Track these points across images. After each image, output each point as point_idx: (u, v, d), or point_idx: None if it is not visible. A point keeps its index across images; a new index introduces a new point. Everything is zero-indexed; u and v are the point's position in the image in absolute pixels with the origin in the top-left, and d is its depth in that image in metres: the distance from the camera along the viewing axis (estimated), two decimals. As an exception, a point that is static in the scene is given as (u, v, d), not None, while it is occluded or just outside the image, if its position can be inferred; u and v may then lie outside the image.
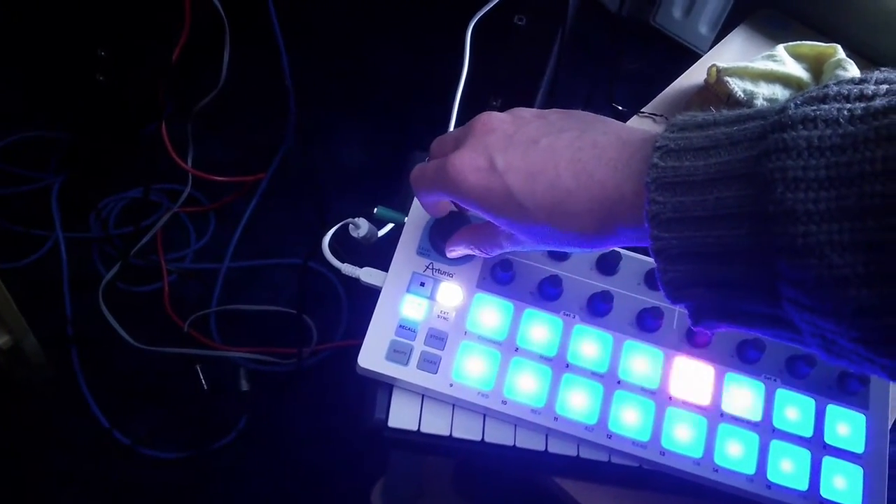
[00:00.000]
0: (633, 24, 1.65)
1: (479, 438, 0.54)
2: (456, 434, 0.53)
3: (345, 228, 0.62)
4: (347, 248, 0.64)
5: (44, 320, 1.08)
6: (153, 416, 1.09)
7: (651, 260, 0.58)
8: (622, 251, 0.58)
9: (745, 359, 0.56)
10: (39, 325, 1.04)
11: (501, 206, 0.41)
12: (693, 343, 0.56)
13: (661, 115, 0.82)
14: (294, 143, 1.18)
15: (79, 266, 1.20)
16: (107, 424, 1.07)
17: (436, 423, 0.54)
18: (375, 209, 0.60)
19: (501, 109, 1.07)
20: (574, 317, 0.56)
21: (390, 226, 0.63)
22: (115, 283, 1.18)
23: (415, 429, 0.53)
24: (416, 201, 0.59)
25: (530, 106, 1.07)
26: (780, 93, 0.83)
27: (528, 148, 0.41)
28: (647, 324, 0.56)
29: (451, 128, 0.81)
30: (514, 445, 0.54)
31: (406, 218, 0.59)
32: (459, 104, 0.84)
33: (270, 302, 1.18)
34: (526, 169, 0.40)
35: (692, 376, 0.55)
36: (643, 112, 0.82)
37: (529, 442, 0.54)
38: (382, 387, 0.55)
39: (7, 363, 1.03)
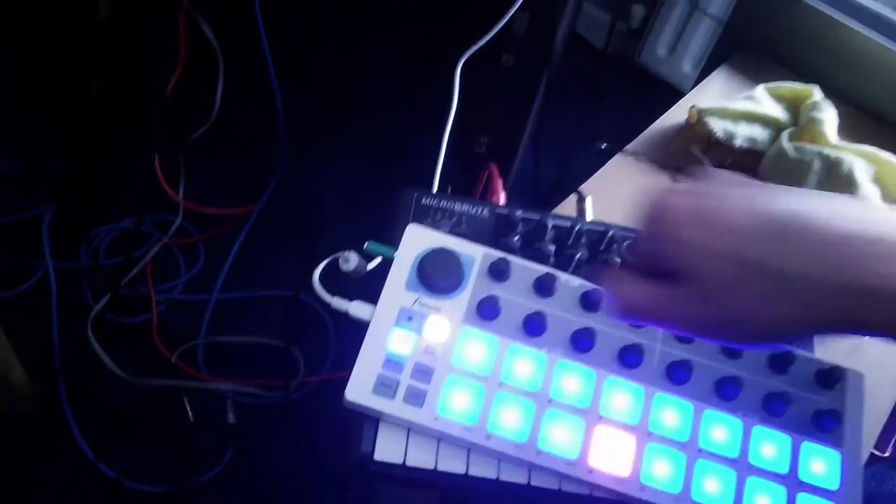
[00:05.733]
0: (618, 62, 1.69)
1: (463, 472, 0.55)
2: (441, 467, 0.54)
3: (334, 261, 0.64)
4: (337, 280, 0.65)
5: (31, 351, 1.08)
6: (139, 449, 1.09)
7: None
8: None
9: (723, 396, 0.57)
10: (27, 356, 1.04)
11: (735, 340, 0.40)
12: (672, 380, 0.57)
13: (643, 154, 0.84)
14: (284, 176, 1.20)
15: (68, 296, 1.20)
16: (92, 457, 1.06)
17: (421, 457, 0.54)
18: (366, 244, 0.62)
19: (488, 147, 1.09)
20: (557, 353, 0.57)
21: (379, 259, 0.64)
22: (104, 314, 1.18)
23: (400, 462, 0.54)
24: (405, 236, 0.60)
25: (516, 142, 1.09)
26: (759, 133, 0.86)
27: (770, 287, 0.37)
28: (628, 360, 0.57)
29: (440, 162, 0.82)
30: (498, 479, 0.55)
31: (395, 253, 0.60)
32: (448, 140, 0.86)
33: (259, 333, 1.19)
34: (772, 313, 0.37)
35: (672, 412, 0.56)
36: (626, 150, 0.84)
37: (513, 475, 0.55)
38: (369, 420, 0.56)
39: (-8, 394, 1.03)
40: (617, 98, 1.59)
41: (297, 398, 1.15)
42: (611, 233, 0.66)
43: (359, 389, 0.55)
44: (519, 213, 0.67)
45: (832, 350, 0.64)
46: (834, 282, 0.35)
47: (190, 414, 1.10)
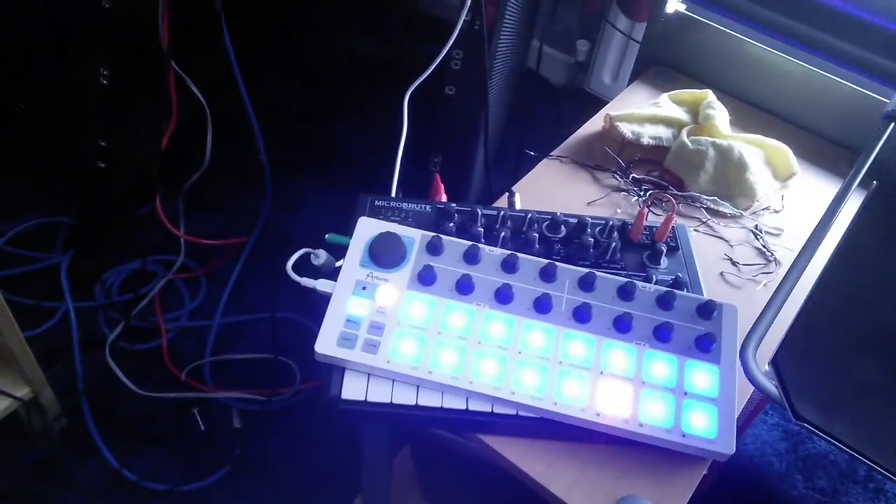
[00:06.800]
0: (572, 92, 1.86)
1: (413, 403, 0.68)
2: (395, 401, 0.68)
3: (310, 262, 0.78)
4: (312, 277, 0.79)
5: (58, 378, 1.23)
6: (157, 455, 1.23)
7: (542, 260, 0.74)
8: (519, 254, 0.74)
9: (619, 329, 0.71)
10: (54, 383, 1.19)
11: None
12: (578, 320, 0.71)
13: (567, 157, 0.99)
14: (272, 210, 1.36)
15: (87, 330, 1.36)
16: (116, 465, 1.20)
17: (379, 393, 0.68)
18: (326, 235, 0.77)
19: (442, 165, 1.26)
20: (484, 306, 0.72)
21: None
22: (119, 343, 1.33)
23: (363, 399, 0.68)
24: (358, 225, 0.75)
25: (467, 160, 1.25)
26: (663, 132, 1.02)
27: None
28: (541, 307, 0.71)
29: (396, 174, 0.97)
30: (442, 406, 0.68)
31: (350, 240, 0.75)
32: (405, 161, 1.01)
33: (257, 350, 1.34)
34: None
35: (578, 345, 0.70)
36: (552, 155, 0.99)
37: (453, 403, 0.68)
38: (336, 369, 0.69)
39: (27, 413, 1.17)
40: (570, 122, 1.76)
41: (294, 403, 1.29)
42: (529, 216, 0.81)
43: (326, 343, 0.69)
44: (454, 206, 0.82)
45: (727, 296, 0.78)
46: None
47: (200, 423, 1.24)
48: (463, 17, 1.03)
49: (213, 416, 1.27)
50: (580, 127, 1.06)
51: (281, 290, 1.45)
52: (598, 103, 1.80)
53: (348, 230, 0.77)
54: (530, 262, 0.74)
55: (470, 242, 0.75)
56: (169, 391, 1.28)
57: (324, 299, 0.73)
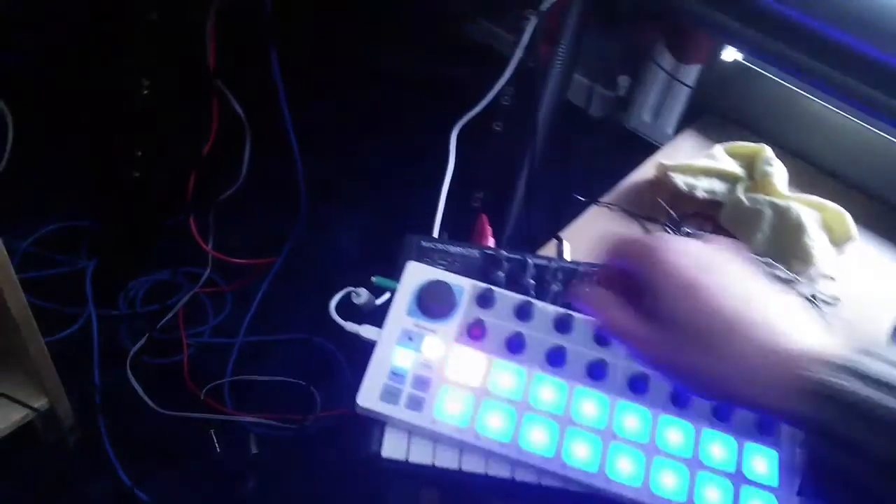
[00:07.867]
0: (610, 127, 1.83)
1: (457, 467, 0.65)
2: (438, 464, 0.65)
3: (349, 300, 0.76)
4: (351, 314, 0.76)
5: (75, 388, 1.20)
6: (171, 476, 1.20)
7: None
8: (574, 314, 0.71)
9: (677, 404, 0.68)
10: (71, 393, 1.17)
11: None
12: (633, 390, 0.68)
13: (616, 206, 0.96)
14: (304, 231, 1.33)
15: (108, 340, 1.33)
16: (129, 483, 1.17)
17: (421, 454, 0.65)
18: (373, 278, 0.74)
19: (483, 202, 1.23)
20: (535, 367, 0.68)
21: (387, 295, 0.76)
22: (141, 356, 1.30)
23: (403, 459, 0.65)
24: (406, 270, 0.72)
25: (508, 198, 1.22)
26: (717, 186, 0.99)
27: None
28: (595, 373, 0.68)
29: (439, 213, 0.94)
30: (486, 474, 0.65)
31: (398, 285, 0.72)
32: (448, 196, 0.98)
33: (280, 373, 1.31)
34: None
35: (633, 418, 0.67)
36: (600, 201, 0.96)
37: (499, 471, 0.65)
38: (377, 423, 0.66)
39: (42, 424, 1.14)
40: (608, 158, 1.73)
41: (314, 431, 1.26)
42: (581, 269, 0.78)
43: (369, 396, 0.66)
44: (504, 253, 0.79)
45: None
46: None
47: (217, 445, 1.21)
48: (518, 55, 1.00)
49: (230, 438, 1.24)
50: (625, 169, 1.03)
51: (303, 312, 1.43)
52: (637, 140, 1.78)
53: (391, 270, 0.75)
54: (585, 324, 0.71)
55: (523, 297, 0.71)
56: (186, 409, 1.25)
57: (360, 340, 0.70)
